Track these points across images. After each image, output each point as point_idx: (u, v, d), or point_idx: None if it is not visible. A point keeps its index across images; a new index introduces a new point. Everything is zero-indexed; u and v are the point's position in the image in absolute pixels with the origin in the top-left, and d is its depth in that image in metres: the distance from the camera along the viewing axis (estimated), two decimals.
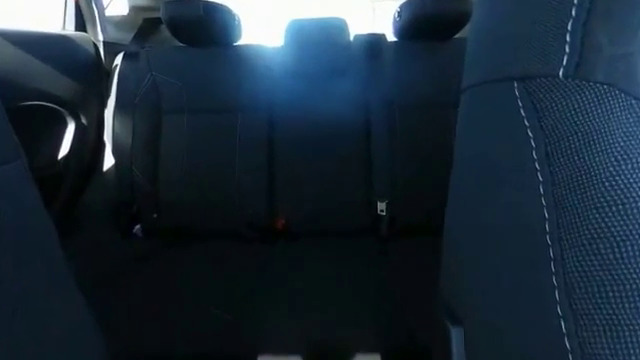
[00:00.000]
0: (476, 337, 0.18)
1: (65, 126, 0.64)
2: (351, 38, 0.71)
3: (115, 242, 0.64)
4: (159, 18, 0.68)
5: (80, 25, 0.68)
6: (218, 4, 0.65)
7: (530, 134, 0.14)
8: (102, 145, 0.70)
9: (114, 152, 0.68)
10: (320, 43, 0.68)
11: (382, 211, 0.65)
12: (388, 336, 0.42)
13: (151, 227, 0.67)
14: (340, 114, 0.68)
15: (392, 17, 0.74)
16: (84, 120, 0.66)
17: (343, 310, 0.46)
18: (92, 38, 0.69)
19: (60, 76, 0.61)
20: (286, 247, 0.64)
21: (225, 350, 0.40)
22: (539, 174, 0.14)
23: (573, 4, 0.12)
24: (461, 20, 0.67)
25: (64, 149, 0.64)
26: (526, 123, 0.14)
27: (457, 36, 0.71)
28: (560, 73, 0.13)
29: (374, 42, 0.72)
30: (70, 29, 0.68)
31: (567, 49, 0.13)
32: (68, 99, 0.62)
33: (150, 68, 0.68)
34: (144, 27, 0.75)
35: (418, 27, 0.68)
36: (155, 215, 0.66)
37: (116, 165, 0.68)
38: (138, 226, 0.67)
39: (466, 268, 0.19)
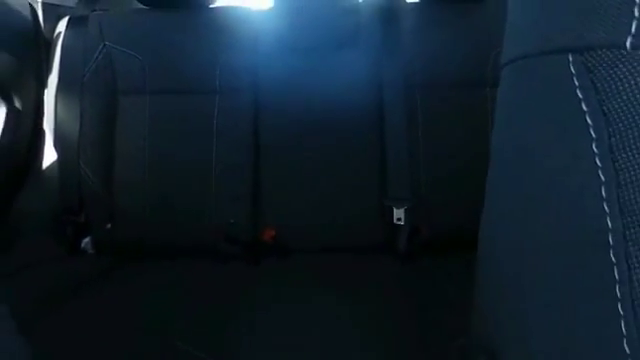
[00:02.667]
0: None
1: None
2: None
3: (58, 260, 0.64)
4: None
5: None
6: None
7: (589, 121, 0.14)
8: (41, 135, 0.70)
9: (56, 144, 0.69)
10: (320, 6, 0.69)
11: (399, 220, 0.66)
12: None
13: (104, 240, 0.68)
14: (345, 96, 0.69)
15: None
16: (18, 103, 0.66)
17: (346, 354, 0.47)
18: None
19: None
20: (275, 267, 0.65)
21: None
22: (600, 173, 0.14)
23: None
24: None
25: None
26: (584, 107, 0.15)
27: None
28: (628, 43, 0.14)
29: (389, 4, 0.73)
30: None
31: (637, 12, 0.13)
32: None
33: (102, 37, 0.69)
34: None
35: None
36: (109, 225, 0.67)
37: (59, 161, 0.68)
38: (87, 239, 0.68)
39: (507, 293, 0.19)
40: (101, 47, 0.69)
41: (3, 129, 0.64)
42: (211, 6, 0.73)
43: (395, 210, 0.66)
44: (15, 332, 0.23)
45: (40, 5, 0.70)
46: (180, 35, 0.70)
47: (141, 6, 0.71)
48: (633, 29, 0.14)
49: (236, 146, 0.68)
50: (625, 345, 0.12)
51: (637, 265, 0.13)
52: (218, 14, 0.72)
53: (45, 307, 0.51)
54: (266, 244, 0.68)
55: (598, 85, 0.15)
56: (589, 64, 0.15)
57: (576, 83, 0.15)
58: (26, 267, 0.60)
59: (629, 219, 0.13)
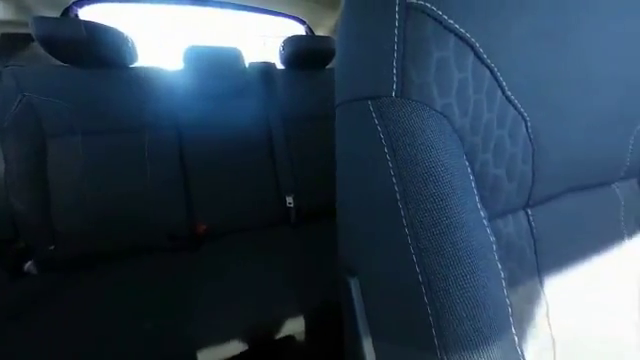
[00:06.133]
0: (366, 282, 0.27)
1: None
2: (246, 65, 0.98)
3: (1, 284, 0.64)
4: (28, 34, 0.72)
5: None
6: (103, 24, 0.77)
7: (382, 136, 0.22)
8: None
9: None
10: (220, 67, 0.93)
11: (290, 204, 0.98)
12: (307, 301, 0.59)
13: (48, 260, 0.70)
14: (246, 128, 0.97)
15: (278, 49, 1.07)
16: None
17: (271, 291, 0.61)
18: None
19: None
20: (211, 249, 0.84)
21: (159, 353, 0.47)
22: (389, 162, 0.22)
23: (394, 50, 0.22)
24: (329, 54, 1.08)
25: None
26: (378, 128, 0.23)
27: (329, 66, 1.13)
28: (393, 93, 0.22)
29: (266, 69, 1.03)
30: None
31: (394, 78, 0.22)
32: None
33: (20, 89, 0.74)
34: (5, 43, 0.74)
35: (298, 59, 1.04)
36: (52, 247, 0.71)
37: None
38: (30, 262, 0.69)
39: (354, 234, 0.28)
40: (20, 98, 0.73)
41: None
42: (131, 66, 0.86)
43: (287, 198, 0.98)
44: None
45: None
46: (104, 87, 0.80)
47: (62, 63, 0.78)
48: (394, 86, 0.22)
49: (167, 167, 0.84)
50: (411, 249, 0.21)
51: (413, 212, 0.21)
52: (139, 72, 0.86)
53: None
54: (200, 235, 0.86)
55: (384, 116, 0.22)
56: (378, 105, 0.22)
57: (373, 115, 0.23)
58: None
59: (407, 185, 0.22)
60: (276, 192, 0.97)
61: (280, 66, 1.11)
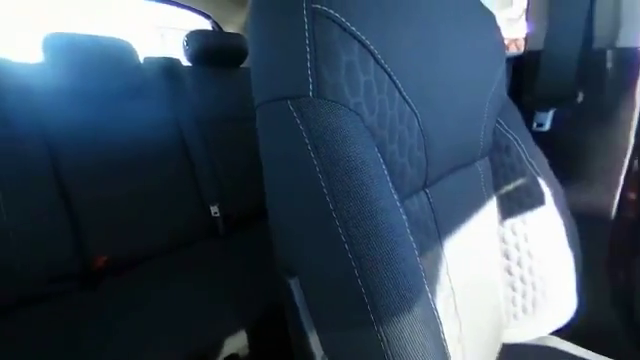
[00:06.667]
0: (306, 279, 0.27)
1: None
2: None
3: None
4: None
5: None
6: None
7: (304, 135, 0.24)
8: None
9: None
10: (101, 62, 0.76)
11: (216, 213, 0.90)
12: (247, 313, 0.57)
13: None
14: (148, 135, 0.83)
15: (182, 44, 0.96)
16: None
17: (205, 311, 0.57)
18: None
19: None
20: (119, 281, 0.70)
21: None
22: (314, 160, 0.23)
23: (307, 52, 0.23)
24: (242, 53, 1.03)
25: None
26: (300, 128, 0.23)
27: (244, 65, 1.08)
28: (310, 93, 0.23)
29: (169, 65, 0.91)
30: None
31: (310, 79, 0.23)
32: None
33: None
34: None
35: (208, 56, 0.95)
36: None
37: None
38: None
39: (288, 234, 0.29)
40: None
41: None
42: None
43: (211, 207, 0.89)
44: None
45: None
46: None
47: None
48: (311, 86, 0.22)
49: (35, 192, 0.64)
50: (343, 239, 0.23)
51: (341, 208, 0.23)
52: None
53: None
54: (101, 269, 0.70)
55: (304, 115, 0.23)
56: (301, 107, 0.23)
57: (295, 115, 0.23)
58: None
59: (333, 184, 0.23)
60: (198, 202, 0.87)
61: (186, 63, 1.00)
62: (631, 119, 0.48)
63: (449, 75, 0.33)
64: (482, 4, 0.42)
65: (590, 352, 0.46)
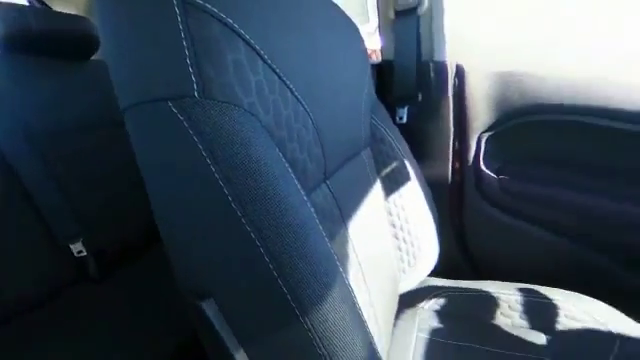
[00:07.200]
0: (221, 296, 0.25)
1: None
2: None
3: None
4: None
5: None
6: None
7: (195, 139, 0.21)
8: None
9: None
10: None
11: (81, 252, 0.67)
12: (156, 352, 0.50)
13: None
14: None
15: None
16: None
17: None
18: None
19: None
20: None
21: None
22: (211, 166, 0.21)
23: (184, 47, 0.20)
24: (91, 42, 0.79)
25: None
26: (190, 131, 0.21)
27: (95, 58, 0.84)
28: (196, 93, 0.20)
29: None
30: None
31: (193, 77, 0.20)
32: None
33: None
34: None
35: (30, 42, 0.69)
36: None
37: None
38: None
39: (191, 252, 0.25)
40: None
41: None
42: None
43: (72, 246, 0.66)
44: None
45: None
46: None
47: None
48: (195, 86, 0.20)
49: None
50: (257, 243, 0.22)
51: (240, 198, 0.21)
52: None
53: None
54: None
55: (192, 117, 0.20)
56: (187, 109, 0.20)
57: (180, 118, 0.21)
58: None
59: (232, 182, 0.21)
60: (51, 243, 0.63)
61: None
62: (448, 114, 0.68)
63: (331, 78, 0.37)
64: (349, 18, 0.49)
65: (451, 280, 0.62)
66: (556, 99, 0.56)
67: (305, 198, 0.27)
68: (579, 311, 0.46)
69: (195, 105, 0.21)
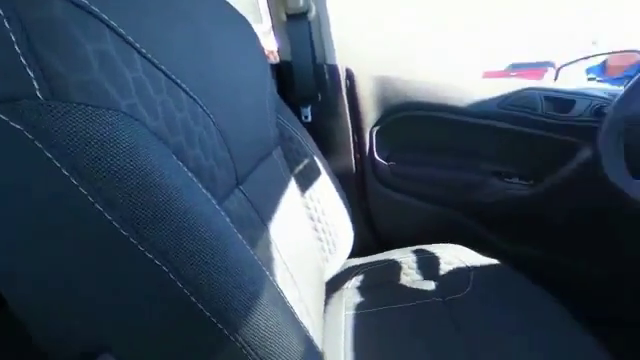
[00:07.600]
0: (127, 349, 0.21)
1: None
2: None
3: None
4: None
5: None
6: None
7: (49, 155, 0.17)
8: None
9: None
10: None
11: None
12: None
13: None
14: None
15: None
16: None
17: None
18: None
19: None
20: None
21: None
22: (79, 188, 0.17)
23: (5, 28, 0.15)
24: None
25: None
26: (38, 145, 0.17)
27: None
28: (39, 94, 0.16)
29: None
30: None
31: (30, 73, 0.16)
32: None
33: None
34: None
35: None
36: None
37: None
38: None
39: (80, 309, 0.21)
40: None
41: None
42: None
43: None
44: None
45: None
46: None
47: None
48: (36, 85, 0.16)
49: None
50: (165, 269, 0.19)
51: (132, 222, 0.18)
52: None
53: None
54: None
55: (50, 135, 0.16)
56: (27, 116, 0.16)
57: (27, 135, 0.16)
58: None
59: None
60: None
61: None
62: (345, 111, 0.76)
63: (229, 77, 0.35)
64: (242, 15, 0.47)
65: (366, 257, 0.70)
66: (416, 99, 0.71)
67: (218, 207, 0.25)
68: (451, 257, 0.62)
69: (44, 111, 0.16)
